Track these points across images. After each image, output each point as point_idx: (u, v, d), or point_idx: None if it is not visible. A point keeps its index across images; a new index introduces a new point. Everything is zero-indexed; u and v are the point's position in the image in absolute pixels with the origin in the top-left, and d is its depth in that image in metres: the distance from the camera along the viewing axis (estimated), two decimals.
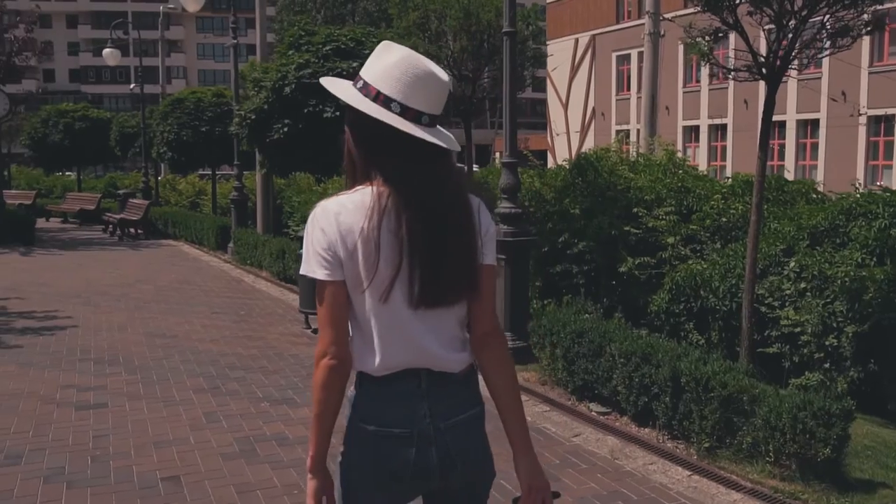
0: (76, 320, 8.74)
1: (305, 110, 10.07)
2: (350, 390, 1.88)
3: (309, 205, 12.59)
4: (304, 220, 6.86)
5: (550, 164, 32.20)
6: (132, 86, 31.25)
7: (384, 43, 1.84)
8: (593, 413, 5.32)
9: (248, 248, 13.06)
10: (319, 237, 1.77)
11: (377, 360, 1.80)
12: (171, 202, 23.34)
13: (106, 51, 24.61)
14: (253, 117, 10.58)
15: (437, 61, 8.75)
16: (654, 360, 4.74)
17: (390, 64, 1.78)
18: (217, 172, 20.90)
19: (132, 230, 19.25)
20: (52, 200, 26.33)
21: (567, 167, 8.68)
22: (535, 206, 8.40)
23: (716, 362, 4.47)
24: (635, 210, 7.50)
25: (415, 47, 9.01)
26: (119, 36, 23.89)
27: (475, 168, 11.06)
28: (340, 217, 1.76)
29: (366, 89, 1.79)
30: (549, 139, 41.28)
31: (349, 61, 10.15)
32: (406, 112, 1.76)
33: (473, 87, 8.59)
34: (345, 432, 1.87)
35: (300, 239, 10.70)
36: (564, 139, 39.46)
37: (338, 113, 9.75)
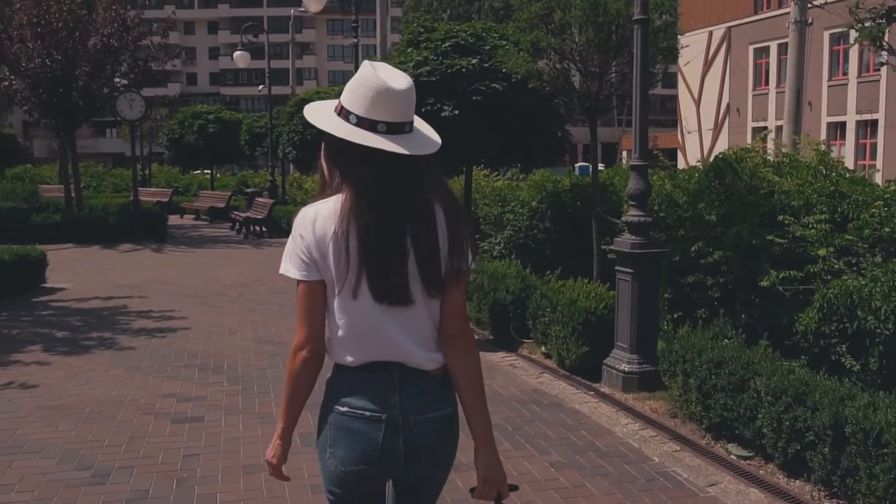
0: (189, 322, 8.71)
1: (423, 109, 9.66)
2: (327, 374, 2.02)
3: None
4: None
5: (681, 163, 30.81)
6: (260, 87, 32.15)
7: (364, 62, 1.98)
8: (732, 457, 4.59)
9: None
10: (299, 241, 1.92)
11: (352, 353, 1.94)
12: (297, 201, 23.71)
13: (236, 54, 25.31)
14: None
15: (561, 55, 8.16)
16: (811, 402, 4.00)
17: (352, 81, 1.96)
18: None
19: (257, 228, 19.61)
20: (187, 198, 27.39)
21: (701, 168, 7.91)
22: (666, 211, 7.68)
23: (890, 410, 3.68)
24: (780, 217, 6.67)
25: (537, 41, 8.49)
26: (250, 39, 24.41)
27: (601, 168, 10.40)
28: (316, 223, 1.91)
29: (338, 106, 1.96)
30: (679, 137, 39.62)
31: (468, 58, 9.65)
32: (361, 122, 1.90)
33: (600, 82, 7.95)
34: (319, 414, 2.00)
35: None
36: (696, 137, 37.74)
37: (456, 112, 9.33)
